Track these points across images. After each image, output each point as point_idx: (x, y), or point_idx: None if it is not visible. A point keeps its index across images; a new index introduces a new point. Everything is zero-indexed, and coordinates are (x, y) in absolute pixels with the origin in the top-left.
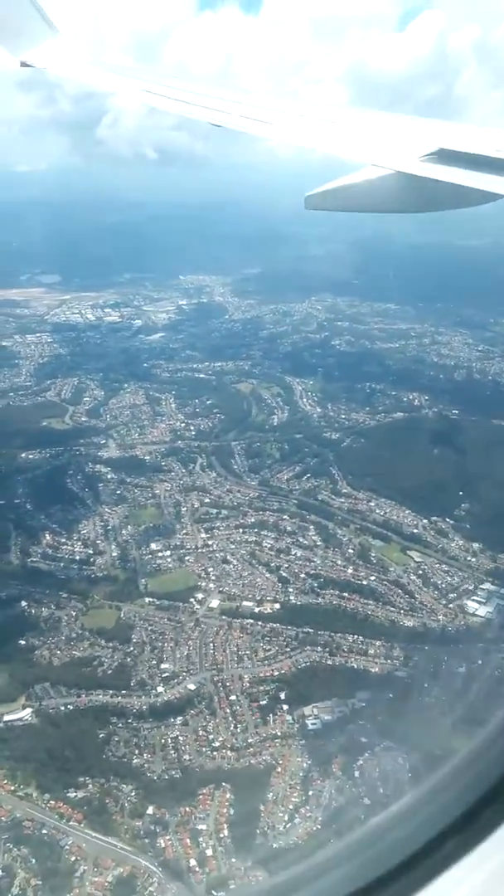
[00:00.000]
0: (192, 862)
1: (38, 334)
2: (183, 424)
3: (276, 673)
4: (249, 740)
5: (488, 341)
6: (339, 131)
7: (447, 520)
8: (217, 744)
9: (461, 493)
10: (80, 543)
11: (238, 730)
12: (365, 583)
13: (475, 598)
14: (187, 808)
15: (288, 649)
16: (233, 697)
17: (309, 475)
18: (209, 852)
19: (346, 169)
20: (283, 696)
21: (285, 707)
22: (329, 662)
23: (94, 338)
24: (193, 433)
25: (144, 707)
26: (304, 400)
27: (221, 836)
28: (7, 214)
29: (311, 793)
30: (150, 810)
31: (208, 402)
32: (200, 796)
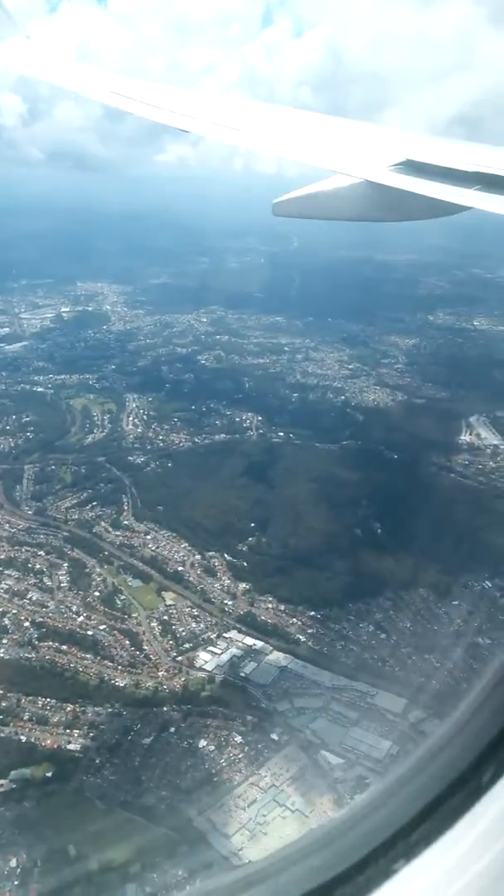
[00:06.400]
0: None
1: None
2: None
3: None
4: None
5: (363, 359)
6: (309, 139)
7: (225, 556)
8: None
9: (252, 525)
10: None
11: None
12: (91, 633)
13: (211, 648)
14: None
15: None
16: None
17: (95, 503)
18: None
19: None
20: None
21: None
22: None
23: None
24: None
25: None
26: (132, 418)
27: None
28: None
29: None
30: None
31: (26, 419)
32: None
